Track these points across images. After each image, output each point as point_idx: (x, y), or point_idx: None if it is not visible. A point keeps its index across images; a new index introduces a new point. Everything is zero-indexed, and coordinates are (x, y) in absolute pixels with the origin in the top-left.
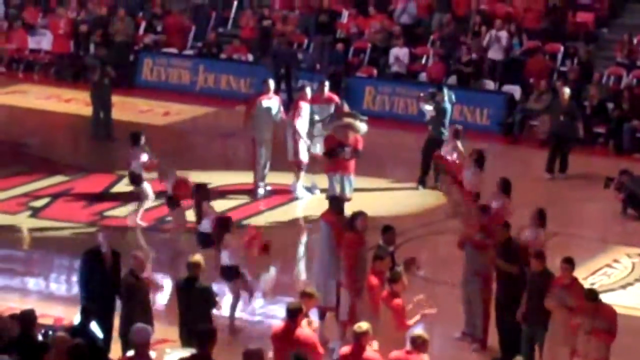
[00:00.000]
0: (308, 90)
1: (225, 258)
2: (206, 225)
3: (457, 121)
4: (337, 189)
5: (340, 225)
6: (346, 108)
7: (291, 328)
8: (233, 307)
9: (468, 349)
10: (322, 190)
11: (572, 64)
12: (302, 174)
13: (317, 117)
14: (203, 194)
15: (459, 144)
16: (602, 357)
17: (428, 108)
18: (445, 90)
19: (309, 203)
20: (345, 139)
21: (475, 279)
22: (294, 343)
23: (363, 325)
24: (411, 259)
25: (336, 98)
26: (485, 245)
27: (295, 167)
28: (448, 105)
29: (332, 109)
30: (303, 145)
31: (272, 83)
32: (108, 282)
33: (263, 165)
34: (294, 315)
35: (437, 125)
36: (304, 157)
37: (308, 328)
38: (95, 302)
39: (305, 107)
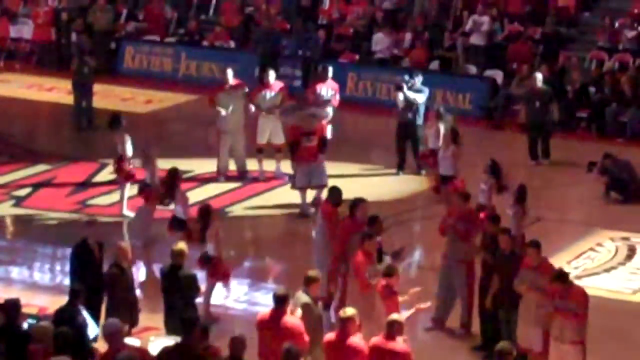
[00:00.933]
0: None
1: (209, 247)
2: (179, 210)
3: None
4: (304, 180)
5: (335, 217)
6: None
7: (277, 315)
8: (209, 294)
9: (450, 336)
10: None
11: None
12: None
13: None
14: (175, 179)
15: (442, 126)
16: (577, 338)
17: (399, 97)
18: (417, 77)
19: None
20: (310, 128)
21: (461, 266)
22: (280, 331)
23: (348, 311)
24: (400, 249)
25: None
26: (469, 234)
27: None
28: (417, 93)
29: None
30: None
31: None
32: (99, 275)
33: (226, 155)
34: (280, 302)
35: (406, 110)
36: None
37: (293, 316)
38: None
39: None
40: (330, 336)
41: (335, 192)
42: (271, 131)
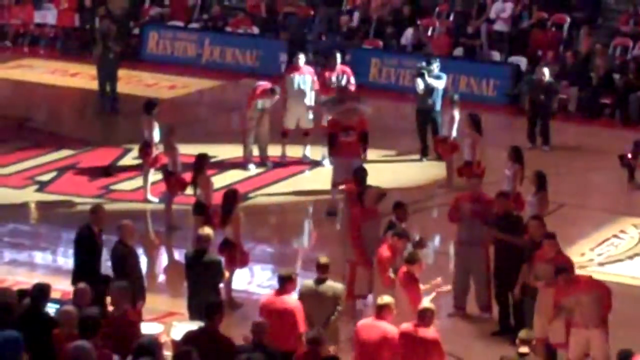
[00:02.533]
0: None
1: (229, 233)
2: (202, 195)
3: (464, 92)
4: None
5: (356, 196)
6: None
7: (279, 296)
8: (229, 280)
9: (474, 319)
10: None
11: (578, 35)
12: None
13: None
14: (201, 164)
15: (456, 113)
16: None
17: (419, 82)
18: (435, 63)
19: (317, 175)
20: (349, 122)
21: (478, 249)
22: (277, 312)
23: (385, 298)
24: (420, 239)
25: (349, 70)
26: (485, 216)
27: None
28: (436, 79)
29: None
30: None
31: (302, 57)
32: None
33: (252, 141)
34: (283, 282)
35: (426, 96)
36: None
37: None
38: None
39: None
40: (365, 321)
41: (360, 172)
42: (300, 115)
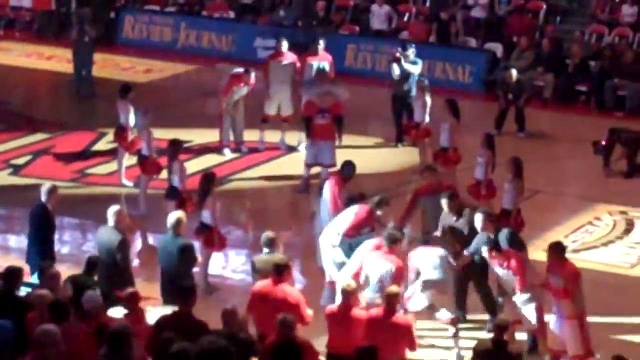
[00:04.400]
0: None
1: (206, 216)
2: (176, 180)
3: (440, 79)
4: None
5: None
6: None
7: (277, 284)
8: (205, 264)
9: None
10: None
11: (554, 22)
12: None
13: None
14: (174, 150)
15: (428, 98)
16: (571, 314)
17: (395, 68)
18: (411, 49)
19: (293, 160)
20: (325, 105)
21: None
22: (277, 301)
23: (352, 284)
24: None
25: (330, 57)
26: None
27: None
28: (412, 64)
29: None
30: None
31: (285, 42)
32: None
33: (229, 126)
34: (281, 271)
35: (402, 82)
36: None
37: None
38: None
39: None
40: (332, 308)
41: (349, 165)
42: (281, 102)
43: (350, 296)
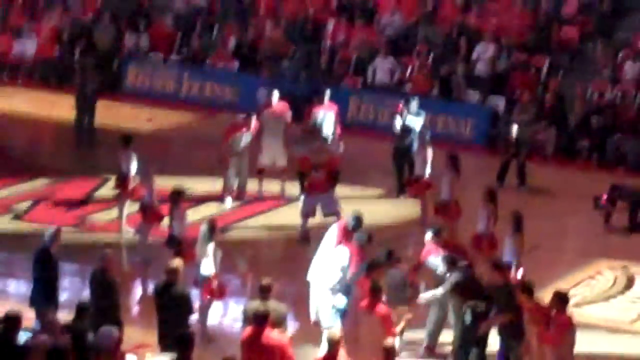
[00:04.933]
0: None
1: (204, 265)
2: (176, 228)
3: (441, 132)
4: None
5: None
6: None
7: (259, 333)
8: (204, 313)
9: None
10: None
11: (557, 77)
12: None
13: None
14: (176, 198)
15: (429, 151)
16: None
17: (397, 122)
18: (413, 102)
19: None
20: (319, 160)
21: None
22: (262, 348)
23: (333, 333)
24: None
25: (336, 107)
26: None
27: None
28: (414, 117)
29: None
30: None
31: (276, 93)
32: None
33: (233, 175)
34: (261, 320)
35: (403, 135)
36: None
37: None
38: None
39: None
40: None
41: (357, 219)
42: (274, 153)
43: (335, 345)
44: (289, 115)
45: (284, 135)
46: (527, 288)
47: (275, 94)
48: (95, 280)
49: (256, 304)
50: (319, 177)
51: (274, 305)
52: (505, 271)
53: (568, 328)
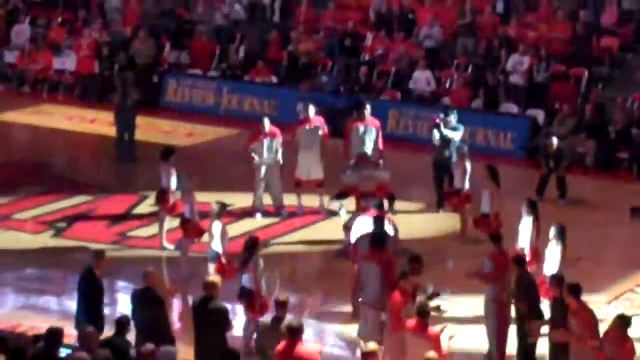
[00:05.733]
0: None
1: (246, 281)
2: (217, 243)
3: (481, 145)
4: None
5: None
6: None
7: (292, 346)
8: (247, 329)
9: None
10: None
11: (597, 89)
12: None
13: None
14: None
15: (468, 165)
16: None
17: (435, 134)
18: (452, 115)
19: (334, 225)
20: (369, 189)
21: (490, 307)
22: None
23: (371, 345)
24: (436, 292)
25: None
26: (491, 277)
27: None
28: (453, 130)
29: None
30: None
31: (312, 108)
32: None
33: (262, 192)
34: (294, 333)
35: (443, 148)
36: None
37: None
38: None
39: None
40: None
41: (375, 238)
42: (310, 166)
43: (369, 358)
44: (325, 128)
45: (320, 148)
46: (574, 290)
47: (312, 109)
48: (139, 298)
49: (268, 321)
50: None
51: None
52: (561, 285)
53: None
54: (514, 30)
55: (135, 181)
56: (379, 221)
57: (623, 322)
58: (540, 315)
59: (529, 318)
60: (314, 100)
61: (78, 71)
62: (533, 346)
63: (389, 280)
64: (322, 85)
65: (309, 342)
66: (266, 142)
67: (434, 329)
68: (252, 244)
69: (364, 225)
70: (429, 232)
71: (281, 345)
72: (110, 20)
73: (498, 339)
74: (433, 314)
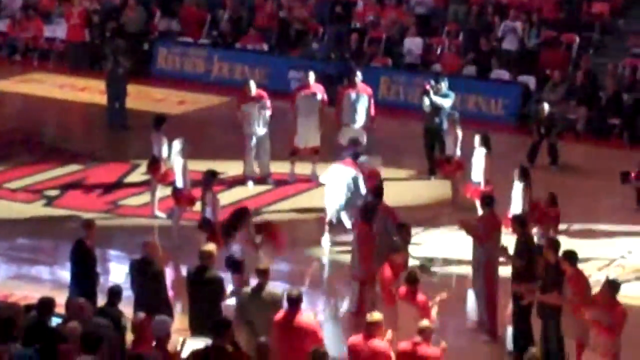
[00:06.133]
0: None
1: (236, 250)
2: (209, 212)
3: (472, 111)
4: None
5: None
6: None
7: (292, 316)
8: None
9: (479, 340)
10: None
11: (587, 54)
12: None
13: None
14: (208, 181)
15: (459, 131)
16: (608, 352)
17: (425, 101)
18: (443, 82)
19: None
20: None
21: (479, 271)
22: (294, 330)
23: (375, 315)
24: (423, 266)
25: (369, 89)
26: (482, 237)
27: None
28: (443, 97)
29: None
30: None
31: (312, 74)
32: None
33: (252, 159)
34: (294, 303)
35: (433, 115)
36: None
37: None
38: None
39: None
40: (354, 339)
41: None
42: (308, 133)
43: (374, 327)
44: (324, 95)
45: (319, 115)
46: (571, 256)
47: (312, 75)
48: (139, 269)
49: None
50: None
51: (269, 290)
52: (557, 250)
53: (625, 319)
54: None
55: (127, 149)
56: (372, 192)
57: (611, 286)
58: (534, 277)
59: (524, 279)
60: (304, 67)
61: (68, 39)
62: (527, 309)
63: (361, 251)
64: (313, 53)
65: (306, 312)
66: (253, 105)
67: (422, 296)
68: (239, 215)
69: (336, 172)
70: (420, 200)
71: (280, 315)
72: None
73: (487, 302)
74: (425, 278)
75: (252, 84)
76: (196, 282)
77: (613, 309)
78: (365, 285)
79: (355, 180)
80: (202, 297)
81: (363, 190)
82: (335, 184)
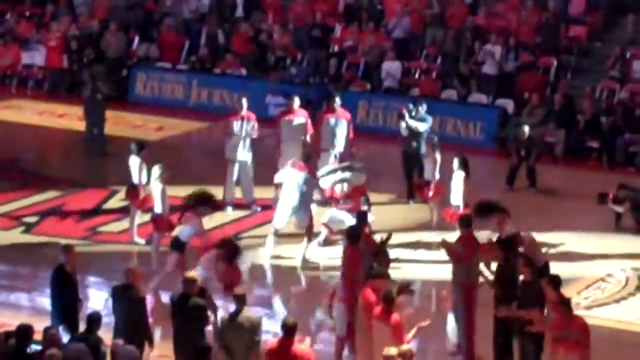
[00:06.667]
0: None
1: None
2: (184, 232)
3: (451, 135)
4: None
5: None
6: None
7: (287, 344)
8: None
9: None
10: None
11: (565, 78)
12: None
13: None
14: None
15: (437, 156)
16: None
17: (403, 125)
18: (421, 106)
19: None
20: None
21: (458, 288)
22: (290, 359)
23: (391, 350)
24: (406, 286)
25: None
26: (462, 258)
27: None
28: (420, 121)
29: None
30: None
31: (296, 100)
32: (76, 299)
33: (233, 185)
34: (289, 331)
35: (410, 139)
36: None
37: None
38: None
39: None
40: None
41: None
42: (292, 159)
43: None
44: (308, 121)
45: (304, 140)
46: (555, 281)
47: (296, 100)
48: (120, 295)
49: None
50: (347, 207)
51: (247, 315)
52: (536, 268)
53: (588, 330)
54: (483, 20)
55: (105, 176)
56: (357, 216)
57: (564, 302)
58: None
59: (504, 303)
60: (282, 92)
61: (47, 66)
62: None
63: (346, 273)
64: (291, 77)
65: (301, 341)
66: (239, 123)
67: (396, 316)
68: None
69: (289, 177)
70: (398, 223)
71: (274, 344)
72: (78, 14)
73: (466, 323)
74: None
75: (244, 103)
76: (179, 308)
77: (573, 323)
78: (351, 308)
79: (306, 180)
80: (186, 324)
81: (314, 190)
82: (287, 188)
